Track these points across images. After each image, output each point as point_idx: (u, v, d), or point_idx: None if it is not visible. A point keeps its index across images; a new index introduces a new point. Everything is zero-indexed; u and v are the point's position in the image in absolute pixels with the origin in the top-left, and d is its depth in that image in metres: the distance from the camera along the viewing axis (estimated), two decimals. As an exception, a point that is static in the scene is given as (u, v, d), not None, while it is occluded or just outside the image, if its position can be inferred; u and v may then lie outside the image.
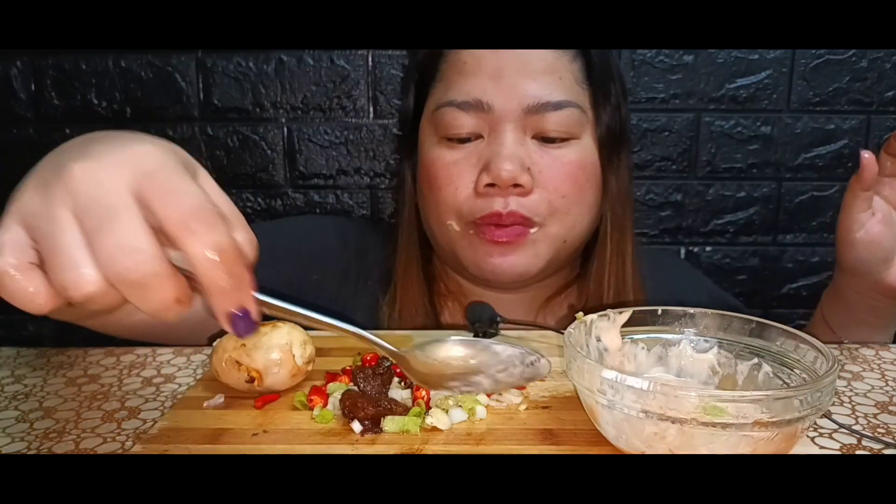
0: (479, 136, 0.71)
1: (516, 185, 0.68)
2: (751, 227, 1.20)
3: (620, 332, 0.51)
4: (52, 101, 1.15)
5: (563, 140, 0.70)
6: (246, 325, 0.37)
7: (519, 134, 0.70)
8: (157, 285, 0.34)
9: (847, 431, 0.50)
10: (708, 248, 1.21)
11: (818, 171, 1.17)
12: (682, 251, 1.21)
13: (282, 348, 0.50)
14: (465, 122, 0.70)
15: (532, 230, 0.71)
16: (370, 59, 1.14)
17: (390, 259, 0.80)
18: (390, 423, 0.46)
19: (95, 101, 1.14)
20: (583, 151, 0.71)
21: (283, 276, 0.77)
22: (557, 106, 0.69)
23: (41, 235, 0.33)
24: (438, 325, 0.80)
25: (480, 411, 0.48)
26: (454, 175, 0.71)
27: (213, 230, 0.34)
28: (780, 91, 1.14)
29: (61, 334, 1.26)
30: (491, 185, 0.69)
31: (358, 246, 0.83)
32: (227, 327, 0.37)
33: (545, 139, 0.70)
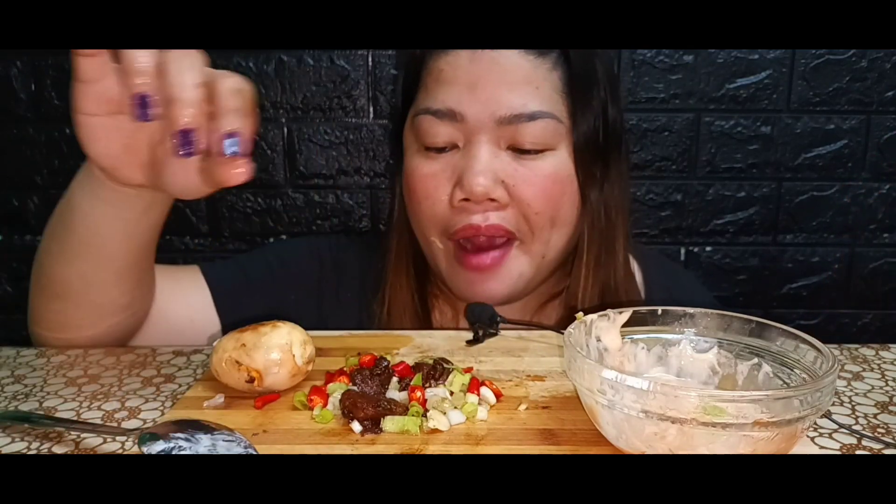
0: (455, 146, 0.70)
1: (491, 200, 0.68)
2: (751, 227, 1.20)
3: (620, 332, 0.51)
4: (52, 101, 1.15)
5: (539, 151, 0.69)
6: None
7: (493, 146, 0.68)
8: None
9: (847, 431, 0.50)
10: (708, 248, 1.21)
11: (818, 171, 1.18)
12: (682, 251, 1.21)
13: (282, 348, 0.50)
14: (440, 131, 0.69)
15: (512, 247, 0.71)
16: (370, 59, 1.14)
17: (378, 262, 0.80)
18: (390, 423, 0.46)
19: (95, 101, 1.14)
20: (558, 163, 0.70)
21: (262, 301, 0.78)
22: (531, 117, 0.67)
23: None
24: (429, 325, 0.80)
25: (481, 412, 0.48)
26: (431, 188, 0.71)
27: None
28: (780, 91, 1.14)
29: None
30: (466, 199, 0.68)
31: (335, 262, 0.84)
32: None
33: (520, 150, 0.69)
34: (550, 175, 0.69)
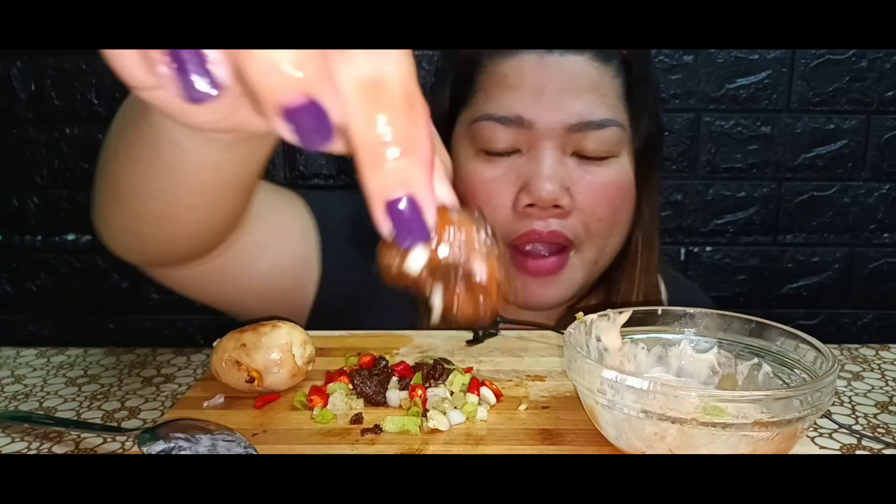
0: (516, 151, 0.69)
1: (556, 206, 0.68)
2: (751, 227, 1.20)
3: (620, 332, 0.51)
4: (52, 101, 1.15)
5: (603, 158, 0.69)
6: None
7: (558, 153, 0.68)
8: None
9: (847, 431, 0.50)
10: (708, 248, 1.21)
11: (818, 171, 1.18)
12: (682, 251, 1.21)
13: (282, 348, 0.50)
14: (503, 137, 0.69)
15: (570, 254, 0.71)
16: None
17: None
18: (390, 423, 0.46)
19: (95, 101, 1.14)
20: (621, 170, 0.71)
21: (337, 250, 0.73)
22: (600, 125, 0.68)
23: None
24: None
25: (481, 412, 0.48)
26: (493, 193, 0.69)
27: None
28: (780, 91, 1.14)
29: (61, 334, 1.27)
30: (531, 205, 0.68)
31: None
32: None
33: (585, 157, 0.69)
34: (614, 182, 0.70)
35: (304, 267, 0.70)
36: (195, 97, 0.28)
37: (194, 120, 0.36)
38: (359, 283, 0.72)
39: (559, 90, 0.67)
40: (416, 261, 0.28)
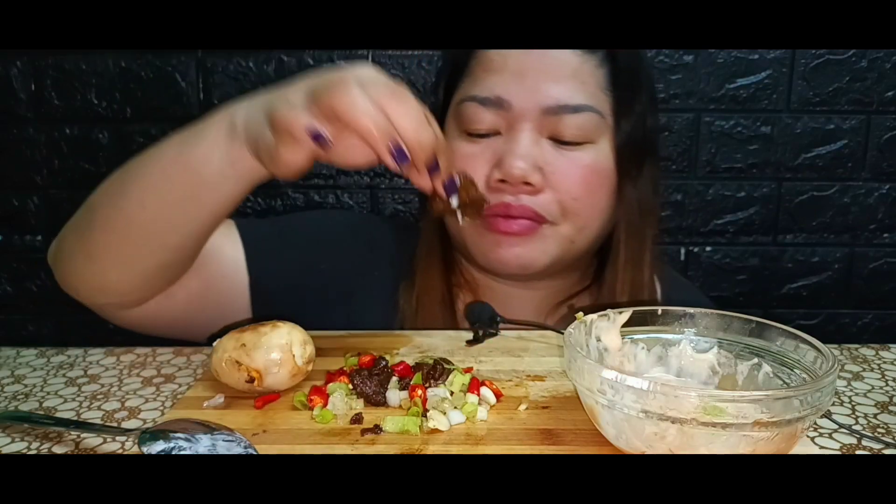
0: (496, 133, 0.72)
1: (527, 184, 0.69)
2: (751, 227, 1.20)
3: (620, 332, 0.51)
4: (52, 101, 1.15)
5: (578, 144, 0.71)
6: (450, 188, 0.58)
7: (534, 134, 0.70)
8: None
9: (847, 431, 0.50)
10: (708, 248, 1.21)
11: (818, 171, 1.17)
12: (682, 251, 1.21)
13: (282, 348, 0.50)
14: (484, 118, 0.71)
15: (541, 226, 0.72)
16: (370, 59, 1.14)
17: (408, 249, 0.81)
18: (390, 424, 0.46)
19: (95, 101, 1.14)
20: (598, 156, 0.72)
21: (294, 262, 0.78)
22: (576, 109, 0.69)
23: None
24: (454, 315, 0.80)
25: (481, 412, 0.48)
26: (468, 168, 0.71)
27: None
28: (780, 91, 1.14)
29: (61, 334, 1.27)
30: (502, 181, 0.70)
31: (369, 239, 0.84)
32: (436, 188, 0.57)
33: (560, 141, 0.71)
34: (589, 165, 0.71)
35: (233, 272, 0.73)
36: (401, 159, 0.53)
37: (301, 171, 0.55)
38: (297, 284, 0.76)
39: (540, 74, 0.70)
40: (454, 201, 0.58)
